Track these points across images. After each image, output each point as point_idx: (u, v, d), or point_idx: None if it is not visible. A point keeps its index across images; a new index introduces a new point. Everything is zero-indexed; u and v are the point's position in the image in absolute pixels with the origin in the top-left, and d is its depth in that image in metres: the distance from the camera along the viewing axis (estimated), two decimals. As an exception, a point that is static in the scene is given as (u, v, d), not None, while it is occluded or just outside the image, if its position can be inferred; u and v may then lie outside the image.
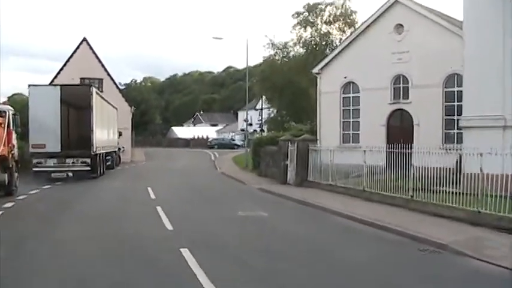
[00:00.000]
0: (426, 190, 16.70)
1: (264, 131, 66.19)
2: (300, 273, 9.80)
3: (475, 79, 19.08)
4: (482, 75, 18.74)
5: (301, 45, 51.68)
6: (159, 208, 18.07)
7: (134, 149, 60.53)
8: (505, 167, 13.59)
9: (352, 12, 50.52)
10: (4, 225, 14.95)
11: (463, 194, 15.08)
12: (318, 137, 30.35)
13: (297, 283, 9.16)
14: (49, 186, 26.79)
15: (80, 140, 31.27)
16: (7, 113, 22.68)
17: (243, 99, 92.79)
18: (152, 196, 22.69)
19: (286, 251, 11.74)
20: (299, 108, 49.47)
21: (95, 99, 30.88)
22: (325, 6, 50.97)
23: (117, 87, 58.06)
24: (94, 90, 31.31)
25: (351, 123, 30.66)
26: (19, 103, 43.49)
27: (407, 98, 27.96)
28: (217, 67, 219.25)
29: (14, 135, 23.22)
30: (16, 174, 23.04)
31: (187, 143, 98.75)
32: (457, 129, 24.45)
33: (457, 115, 24.57)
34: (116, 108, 42.48)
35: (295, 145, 26.31)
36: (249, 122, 54.10)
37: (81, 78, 49.48)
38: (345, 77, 30.70)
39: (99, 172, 31.95)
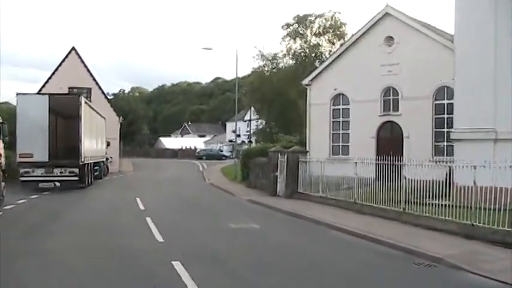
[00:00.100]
0: (417, 203, 16.63)
1: (252, 142, 66.09)
2: (293, 287, 9.65)
3: (466, 91, 19.10)
4: (474, 88, 18.75)
5: (290, 56, 51.94)
6: (148, 219, 17.89)
7: (122, 159, 60.24)
8: (497, 180, 13.51)
9: (342, 24, 50.90)
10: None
11: (454, 206, 15.02)
12: (307, 149, 30.29)
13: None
14: (36, 196, 26.46)
15: (68, 149, 31.02)
16: (-6, 122, 22.42)
17: (231, 110, 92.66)
18: (141, 207, 22.48)
19: (279, 264, 11.58)
20: (288, 120, 49.55)
21: (84, 109, 30.66)
22: (315, 18, 51.26)
23: (106, 97, 57.86)
24: (83, 99, 31.10)
25: (341, 135, 30.66)
26: (6, 112, 42.95)
27: (397, 110, 28.01)
28: (205, 78, 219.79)
29: (1, 145, 22.93)
30: (3, 184, 22.66)
31: (175, 153, 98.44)
32: (447, 141, 24.58)
33: (447, 127, 24.74)
34: (104, 118, 42.22)
35: (285, 157, 26.20)
36: (237, 133, 53.95)
37: (70, 88, 49.19)
38: (335, 89, 30.73)
39: (87, 182, 31.73)
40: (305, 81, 32.75)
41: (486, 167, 14.03)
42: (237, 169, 40.58)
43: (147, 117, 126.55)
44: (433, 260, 11.36)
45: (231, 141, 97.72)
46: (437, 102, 26.45)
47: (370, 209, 18.64)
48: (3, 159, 23.22)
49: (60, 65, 53.06)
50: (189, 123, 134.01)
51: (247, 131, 78.76)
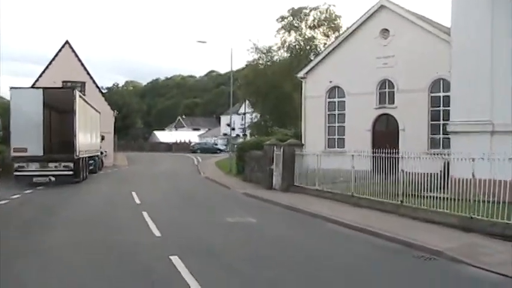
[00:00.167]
0: (415, 195, 16.61)
1: (246, 136, 66.02)
2: (292, 281, 9.66)
3: (463, 84, 19.06)
4: (470, 80, 18.72)
5: (285, 49, 51.80)
6: (145, 213, 17.81)
7: (116, 153, 59.97)
8: (496, 173, 13.47)
9: (337, 17, 50.79)
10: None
11: (452, 199, 15.01)
12: (303, 142, 30.25)
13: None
14: (31, 190, 26.32)
15: (62, 143, 30.84)
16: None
17: (225, 104, 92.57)
18: (137, 201, 22.37)
19: (276, 258, 11.55)
20: (283, 113, 49.45)
21: (78, 103, 30.44)
22: (310, 11, 51.15)
23: (100, 90, 57.54)
24: (77, 93, 30.85)
25: (336, 128, 30.63)
26: (0, 107, 42.84)
27: (393, 102, 27.98)
28: (199, 71, 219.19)
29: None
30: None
31: (169, 147, 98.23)
32: (443, 134, 24.58)
33: (443, 120, 24.74)
34: (99, 112, 42.00)
35: (281, 150, 26.13)
36: (232, 126, 53.87)
37: (63, 82, 48.82)
38: (331, 82, 30.68)
39: (82, 176, 31.57)
40: (300, 74, 32.69)
41: (485, 160, 14.00)
42: (232, 162, 40.48)
43: (141, 111, 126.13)
44: (433, 253, 11.33)
45: (225, 134, 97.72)
46: (433, 94, 26.43)
47: (367, 202, 18.60)
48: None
49: (53, 58, 52.65)
50: (183, 116, 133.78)
51: (241, 124, 78.80)
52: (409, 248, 12.18)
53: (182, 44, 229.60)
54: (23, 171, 28.50)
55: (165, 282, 9.51)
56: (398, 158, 18.01)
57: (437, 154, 20.04)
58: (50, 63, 52.54)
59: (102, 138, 44.86)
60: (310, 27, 51.10)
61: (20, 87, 30.62)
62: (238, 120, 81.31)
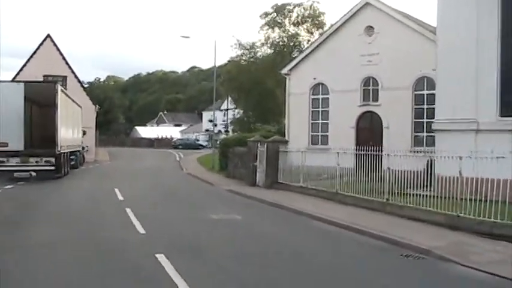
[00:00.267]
0: (400, 193, 16.61)
1: (228, 132, 65.93)
2: (278, 278, 9.61)
3: (448, 82, 19.08)
4: (456, 79, 18.73)
5: (268, 45, 51.79)
6: (128, 210, 17.63)
7: (98, 148, 59.56)
8: (483, 171, 13.48)
9: (321, 13, 50.81)
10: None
11: (438, 197, 15.02)
12: (286, 138, 30.19)
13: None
14: (12, 186, 26.01)
15: (44, 138, 30.47)
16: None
17: (207, 100, 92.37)
18: (120, 197, 22.16)
19: (263, 255, 11.49)
20: (265, 109, 49.44)
21: (60, 97, 30.06)
22: (294, 7, 51.12)
23: (82, 85, 57.11)
24: (59, 87, 30.44)
25: (320, 124, 30.56)
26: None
27: (377, 100, 27.96)
28: (181, 67, 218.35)
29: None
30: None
31: (151, 143, 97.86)
32: (427, 132, 24.65)
33: (427, 118, 24.80)
34: (81, 107, 41.63)
35: (265, 146, 26.04)
36: (214, 122, 53.76)
37: (45, 76, 48.23)
38: (314, 78, 30.58)
39: (63, 172, 31.24)
40: (284, 71, 32.59)
41: (472, 158, 14.01)
42: (214, 159, 40.34)
43: (123, 106, 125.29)
44: (421, 252, 11.27)
45: (207, 130, 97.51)
46: (417, 92, 26.44)
47: (353, 199, 18.56)
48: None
49: (35, 52, 52.09)
50: (165, 112, 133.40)
51: (223, 121, 78.73)
52: (396, 246, 12.11)
53: (164, 39, 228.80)
54: (4, 166, 28.10)
55: (151, 280, 9.36)
56: (383, 155, 18.01)
57: (422, 152, 20.09)
58: (31, 56, 51.98)
59: (84, 133, 44.47)
60: (293, 24, 51.08)
61: (0, 81, 30.15)
62: (221, 116, 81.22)
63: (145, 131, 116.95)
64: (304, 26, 50.77)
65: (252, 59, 52.78)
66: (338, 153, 20.54)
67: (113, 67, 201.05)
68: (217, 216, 17.04)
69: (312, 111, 30.87)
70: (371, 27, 28.07)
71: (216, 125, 57.19)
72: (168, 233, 14.20)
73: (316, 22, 50.46)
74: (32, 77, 42.59)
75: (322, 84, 30.38)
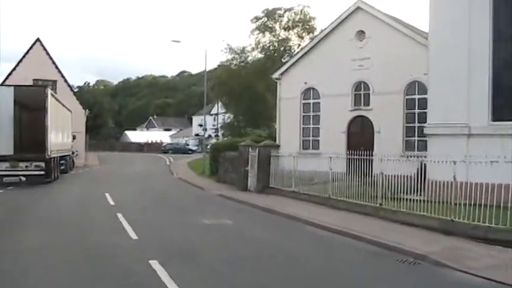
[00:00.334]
0: (392, 198, 16.56)
1: (219, 136, 65.74)
2: (271, 283, 9.56)
3: (440, 87, 19.08)
4: (447, 83, 18.73)
5: (259, 50, 51.68)
6: (119, 215, 17.52)
7: (88, 153, 59.28)
8: (477, 176, 13.47)
9: (311, 18, 50.80)
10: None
11: (431, 202, 14.99)
12: (277, 143, 30.13)
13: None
14: (1, 191, 25.82)
15: (33, 143, 30.14)
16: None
17: (197, 104, 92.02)
18: (111, 202, 22.00)
19: (255, 260, 11.39)
20: (256, 114, 49.31)
21: (50, 101, 29.86)
22: (284, 12, 51.10)
23: (71, 89, 56.88)
24: (49, 91, 30.27)
25: (311, 129, 30.49)
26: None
27: (368, 104, 27.92)
28: (170, 71, 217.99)
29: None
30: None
31: (141, 147, 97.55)
32: (418, 136, 24.65)
33: (418, 122, 24.78)
34: (71, 111, 41.41)
35: (257, 151, 25.97)
36: (204, 127, 53.62)
37: (34, 80, 48.02)
38: (305, 83, 30.52)
39: (53, 176, 31.04)
40: (275, 75, 32.51)
41: (466, 162, 13.99)
42: (205, 163, 40.21)
43: (113, 110, 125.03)
44: (416, 257, 11.20)
45: (197, 135, 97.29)
46: (408, 97, 26.42)
47: (345, 204, 18.51)
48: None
49: (24, 56, 51.85)
50: (155, 116, 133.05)
51: (213, 125, 78.45)
52: (391, 251, 12.05)
53: (153, 44, 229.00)
54: (-7, 171, 27.85)
55: (142, 285, 9.30)
56: (374, 160, 17.98)
57: (414, 156, 20.07)
58: (21, 60, 51.72)
59: (74, 137, 44.23)
60: (284, 29, 51.07)
61: (-11, 85, 29.96)
62: (211, 121, 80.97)
63: (135, 136, 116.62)
64: (295, 30, 50.77)
65: (242, 64, 52.64)
66: (331, 157, 20.47)
67: (103, 71, 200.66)
68: (209, 221, 16.94)
69: (303, 115, 30.80)
70: (362, 31, 28.05)
71: (206, 130, 57.05)
72: (160, 238, 14.09)
73: (307, 27, 50.48)
74: (21, 81, 42.29)
75: (313, 88, 30.32)
